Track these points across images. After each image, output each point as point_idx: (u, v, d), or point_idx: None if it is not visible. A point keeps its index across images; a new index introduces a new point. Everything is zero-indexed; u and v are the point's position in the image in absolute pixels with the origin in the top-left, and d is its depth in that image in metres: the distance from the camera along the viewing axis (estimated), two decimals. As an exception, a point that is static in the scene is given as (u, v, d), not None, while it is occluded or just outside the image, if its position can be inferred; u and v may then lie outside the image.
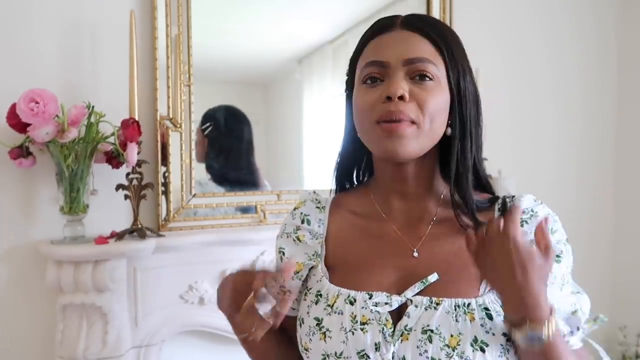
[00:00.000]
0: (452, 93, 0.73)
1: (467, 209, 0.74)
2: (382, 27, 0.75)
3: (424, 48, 0.72)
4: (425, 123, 0.71)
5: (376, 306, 0.70)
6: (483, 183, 0.79)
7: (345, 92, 0.83)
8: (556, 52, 2.21)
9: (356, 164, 0.86)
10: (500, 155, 1.91)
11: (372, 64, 0.73)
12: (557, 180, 2.21)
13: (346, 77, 0.83)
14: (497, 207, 0.78)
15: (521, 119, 2.13)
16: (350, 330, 0.71)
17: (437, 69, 0.72)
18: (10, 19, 1.35)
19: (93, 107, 1.30)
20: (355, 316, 0.71)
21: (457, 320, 0.68)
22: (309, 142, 1.76)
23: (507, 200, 0.77)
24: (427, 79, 0.71)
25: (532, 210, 0.76)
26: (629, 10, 2.35)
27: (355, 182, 0.88)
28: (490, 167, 1.86)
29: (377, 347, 0.69)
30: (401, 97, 0.70)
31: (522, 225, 0.73)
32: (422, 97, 0.71)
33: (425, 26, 0.74)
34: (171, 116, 1.50)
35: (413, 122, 0.70)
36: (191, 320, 1.48)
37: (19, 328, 1.38)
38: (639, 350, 2.25)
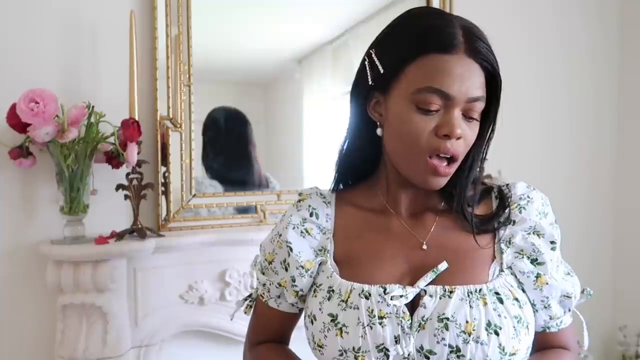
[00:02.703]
0: (493, 122, 0.77)
1: (461, 208, 0.78)
2: (445, 45, 0.71)
3: (482, 84, 0.73)
4: (463, 155, 0.75)
5: (392, 300, 0.71)
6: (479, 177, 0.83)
7: (371, 84, 0.76)
8: (556, 52, 2.21)
9: (363, 162, 0.86)
10: (500, 155, 1.91)
11: (435, 92, 0.70)
12: (558, 180, 2.21)
13: (364, 66, 0.77)
14: (493, 195, 0.82)
15: (521, 119, 2.12)
16: (368, 325, 0.71)
17: (484, 103, 0.74)
18: (10, 19, 1.35)
19: (93, 107, 1.30)
20: (372, 310, 0.72)
21: (471, 307, 0.70)
22: (309, 142, 1.76)
23: (503, 188, 0.82)
24: (477, 117, 0.74)
25: (528, 197, 0.80)
26: (628, 8, 2.35)
27: (359, 177, 0.88)
28: (491, 167, 1.87)
29: (396, 340, 0.70)
30: (458, 137, 0.72)
31: (520, 212, 0.79)
32: (469, 136, 0.74)
33: (484, 52, 0.73)
34: (171, 116, 1.50)
35: (457, 159, 0.74)
36: (191, 320, 1.48)
37: (19, 328, 1.38)
38: (639, 350, 2.25)
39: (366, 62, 0.78)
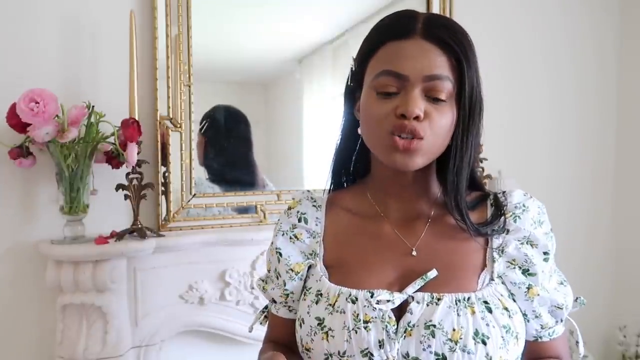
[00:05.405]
0: (463, 108, 0.73)
1: (459, 213, 0.75)
2: (401, 31, 0.72)
3: (443, 63, 0.71)
4: (434, 141, 0.72)
5: (378, 304, 0.71)
6: (476, 182, 0.82)
7: (350, 84, 0.81)
8: (556, 52, 2.21)
9: (353, 160, 0.87)
10: (500, 155, 1.91)
11: (389, 74, 0.72)
12: (557, 180, 2.21)
13: (351, 69, 0.80)
14: (489, 202, 0.80)
15: (521, 119, 2.13)
16: (353, 329, 0.71)
17: (453, 85, 0.72)
18: (11, 19, 1.35)
19: (93, 107, 1.30)
20: (358, 315, 0.71)
21: (458, 315, 0.69)
22: (309, 142, 1.76)
23: (499, 195, 0.80)
24: (443, 98, 0.71)
25: (523, 205, 0.78)
26: (628, 9, 2.34)
27: (351, 178, 0.89)
28: (490, 167, 1.87)
29: (381, 345, 0.70)
30: (416, 117, 0.70)
31: (514, 221, 0.77)
32: (435, 118, 0.71)
33: (446, 36, 0.71)
34: (171, 116, 1.50)
35: (421, 138, 0.71)
36: (191, 320, 1.48)
37: (19, 328, 1.38)
38: (639, 350, 2.25)
39: (351, 65, 0.81)
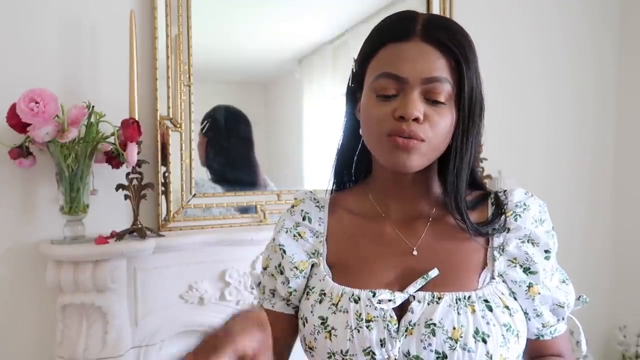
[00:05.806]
0: (463, 109, 0.73)
1: (459, 213, 0.76)
2: (401, 33, 0.73)
3: (442, 66, 0.71)
4: (434, 142, 0.72)
5: (380, 303, 0.71)
6: (477, 181, 0.82)
7: (351, 85, 0.82)
8: (556, 51, 2.21)
9: (355, 161, 0.87)
10: (500, 156, 1.91)
11: (388, 76, 0.72)
12: (556, 180, 2.21)
13: (352, 71, 0.81)
14: (490, 201, 0.81)
15: (521, 118, 2.13)
16: (355, 328, 0.72)
17: (452, 87, 0.72)
18: (11, 19, 1.35)
19: (93, 107, 1.30)
20: (360, 314, 0.72)
21: (459, 313, 0.70)
22: (309, 142, 1.76)
23: (500, 194, 0.80)
24: (442, 100, 0.71)
25: (524, 204, 0.79)
26: (627, 9, 2.35)
27: (353, 179, 0.89)
28: (490, 167, 1.87)
29: (382, 344, 0.70)
30: (415, 119, 0.70)
31: (515, 219, 0.77)
32: (435, 119, 0.71)
33: (445, 38, 0.71)
34: (171, 116, 1.50)
35: (422, 140, 0.71)
36: (191, 320, 1.48)
37: (19, 328, 1.38)
38: (639, 350, 2.25)
39: (352, 66, 0.81)
